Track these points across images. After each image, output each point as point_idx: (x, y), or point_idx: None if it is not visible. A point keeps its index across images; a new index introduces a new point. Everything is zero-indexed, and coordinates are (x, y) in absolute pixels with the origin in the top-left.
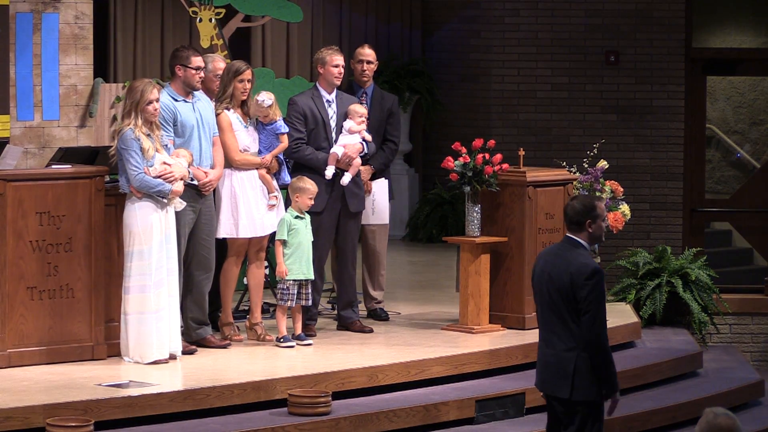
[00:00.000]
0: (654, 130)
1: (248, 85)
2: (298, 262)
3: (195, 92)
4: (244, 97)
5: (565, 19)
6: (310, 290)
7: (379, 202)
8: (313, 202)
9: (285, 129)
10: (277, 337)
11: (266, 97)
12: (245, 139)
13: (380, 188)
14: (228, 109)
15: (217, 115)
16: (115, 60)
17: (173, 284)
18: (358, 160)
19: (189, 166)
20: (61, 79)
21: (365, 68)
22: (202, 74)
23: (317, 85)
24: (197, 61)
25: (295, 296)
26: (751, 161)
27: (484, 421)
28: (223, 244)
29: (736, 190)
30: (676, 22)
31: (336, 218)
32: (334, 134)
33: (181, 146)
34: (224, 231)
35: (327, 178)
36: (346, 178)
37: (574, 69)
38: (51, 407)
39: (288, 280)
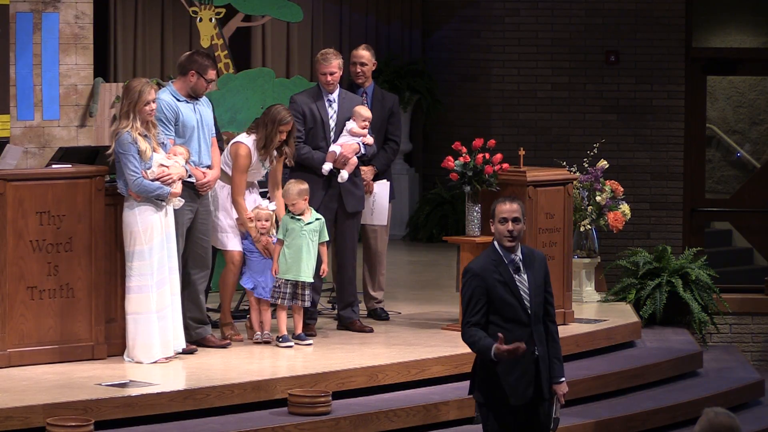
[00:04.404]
0: (654, 130)
1: (284, 136)
2: (289, 263)
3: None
4: (278, 144)
5: (565, 19)
6: (307, 292)
7: (379, 203)
8: (295, 207)
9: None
10: (277, 336)
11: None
12: (255, 176)
13: (381, 189)
14: (263, 160)
15: (240, 147)
16: (115, 60)
17: (175, 282)
18: (354, 159)
19: (186, 163)
20: (61, 78)
21: (358, 70)
22: (211, 87)
23: (319, 84)
24: (212, 74)
25: (288, 295)
26: (751, 161)
27: None
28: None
29: (736, 190)
30: (676, 22)
31: (333, 218)
32: (332, 134)
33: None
34: (221, 243)
35: (324, 173)
36: (343, 175)
37: (574, 69)
38: (51, 407)
39: (280, 278)
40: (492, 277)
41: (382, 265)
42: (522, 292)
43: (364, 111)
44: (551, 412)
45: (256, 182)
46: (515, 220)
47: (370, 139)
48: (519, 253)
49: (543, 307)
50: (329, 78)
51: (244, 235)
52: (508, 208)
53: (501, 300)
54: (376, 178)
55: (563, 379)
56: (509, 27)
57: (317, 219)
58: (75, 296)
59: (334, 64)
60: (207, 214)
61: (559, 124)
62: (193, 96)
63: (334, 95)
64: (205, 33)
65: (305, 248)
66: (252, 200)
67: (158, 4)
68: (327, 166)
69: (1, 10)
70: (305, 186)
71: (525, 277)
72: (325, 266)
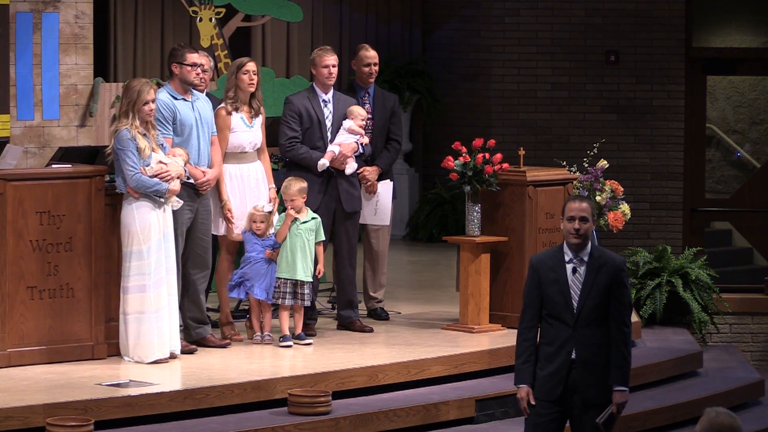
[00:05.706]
0: (654, 130)
1: (254, 77)
2: (285, 262)
3: (194, 91)
4: (252, 89)
5: (565, 19)
6: (307, 291)
7: (382, 203)
8: (294, 203)
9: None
10: (279, 337)
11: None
12: (246, 138)
13: (385, 189)
14: (236, 110)
15: (218, 111)
16: (115, 60)
17: (172, 283)
18: (352, 158)
19: (185, 165)
20: (61, 78)
21: (372, 71)
22: (199, 71)
23: (314, 85)
24: (192, 57)
25: (289, 295)
26: (751, 161)
27: (484, 421)
28: (215, 243)
29: (736, 189)
30: (676, 22)
31: (331, 218)
32: (329, 134)
33: (179, 145)
34: (221, 228)
35: (319, 169)
36: (352, 165)
37: (574, 69)
38: (51, 407)
39: (278, 278)
40: (546, 271)
41: (383, 265)
42: (572, 292)
43: (361, 110)
44: (601, 418)
45: (256, 154)
46: (582, 219)
47: (365, 138)
48: (586, 254)
49: (601, 312)
50: (332, 70)
51: (248, 239)
52: (576, 206)
53: (548, 296)
54: (379, 178)
55: (620, 387)
56: (509, 27)
57: (313, 218)
58: (75, 296)
59: (335, 56)
60: (207, 214)
61: (559, 124)
62: (189, 90)
63: (329, 95)
64: (205, 33)
65: (300, 247)
66: (249, 177)
67: (158, 4)
68: (322, 161)
69: (1, 10)
70: (305, 184)
71: (581, 278)
72: (321, 266)
